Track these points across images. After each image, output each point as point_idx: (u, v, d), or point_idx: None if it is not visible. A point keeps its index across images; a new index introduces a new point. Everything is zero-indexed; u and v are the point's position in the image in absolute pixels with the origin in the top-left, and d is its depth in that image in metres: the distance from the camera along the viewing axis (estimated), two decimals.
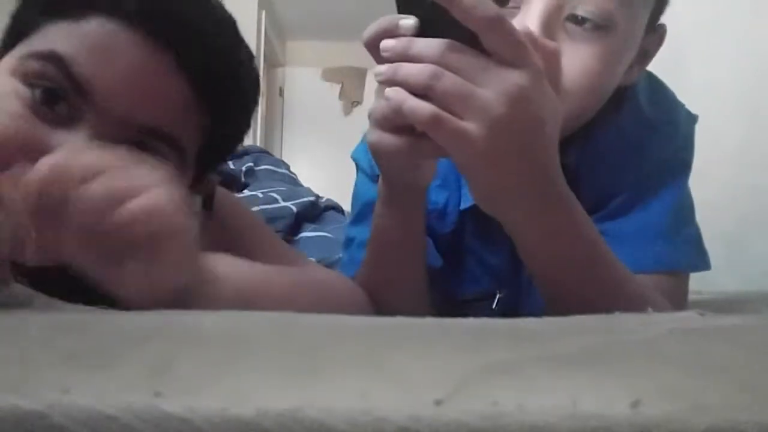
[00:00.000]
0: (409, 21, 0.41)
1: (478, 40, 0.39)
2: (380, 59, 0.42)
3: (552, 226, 0.45)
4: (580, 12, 0.50)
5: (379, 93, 0.44)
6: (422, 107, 0.39)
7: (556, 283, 0.48)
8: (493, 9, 0.38)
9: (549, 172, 0.43)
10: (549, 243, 0.45)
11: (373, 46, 0.42)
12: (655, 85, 0.65)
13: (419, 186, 0.52)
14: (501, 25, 0.38)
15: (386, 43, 0.41)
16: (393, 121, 0.43)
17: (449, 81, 0.38)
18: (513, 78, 0.39)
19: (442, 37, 0.40)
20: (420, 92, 0.39)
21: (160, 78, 0.44)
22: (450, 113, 0.39)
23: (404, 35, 0.41)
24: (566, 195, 0.45)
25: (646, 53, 0.60)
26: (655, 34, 0.59)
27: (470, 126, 0.39)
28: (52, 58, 0.42)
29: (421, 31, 0.41)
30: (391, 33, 0.41)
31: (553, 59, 0.43)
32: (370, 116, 0.45)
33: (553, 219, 0.44)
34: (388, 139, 0.44)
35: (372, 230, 0.57)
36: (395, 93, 0.40)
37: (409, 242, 0.56)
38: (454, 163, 0.43)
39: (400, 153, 0.44)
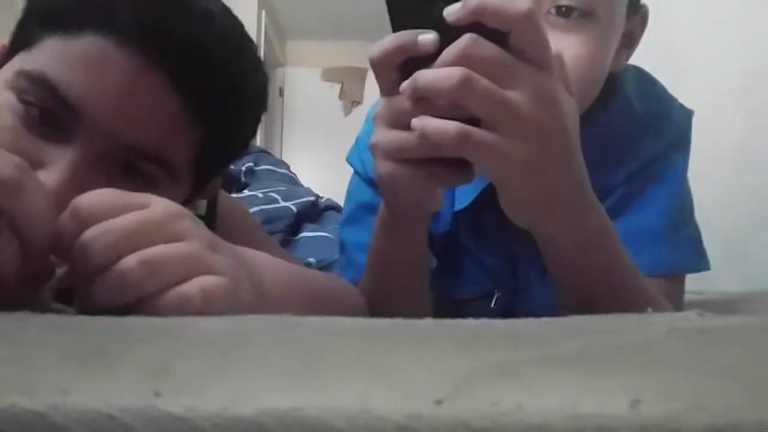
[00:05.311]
0: (429, 36, 0.36)
1: (503, 42, 0.36)
2: (386, 83, 0.39)
3: (587, 235, 0.43)
4: (565, 1, 0.49)
5: (379, 121, 0.41)
6: (447, 126, 0.35)
7: (584, 291, 0.46)
8: (524, 4, 0.35)
9: (583, 180, 0.41)
10: (584, 253, 0.44)
11: (383, 67, 0.39)
12: (645, 79, 0.64)
13: (426, 215, 0.50)
14: (533, 22, 0.35)
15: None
16: (406, 151, 0.40)
17: (481, 87, 0.35)
18: (543, 79, 0.36)
19: None
20: (450, 99, 0.35)
21: (151, 97, 0.43)
22: (478, 121, 0.36)
23: (424, 51, 0.36)
24: (597, 202, 0.43)
25: (632, 36, 0.58)
26: (637, 15, 0.58)
27: (501, 137, 0.36)
28: (41, 81, 0.42)
29: (442, 48, 0.36)
30: (407, 51, 0.37)
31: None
32: (374, 147, 0.42)
33: (588, 228, 0.43)
34: (402, 171, 0.41)
35: (371, 250, 0.54)
36: (418, 121, 0.36)
37: (411, 263, 0.53)
38: (489, 178, 0.40)
39: (415, 183, 0.41)
